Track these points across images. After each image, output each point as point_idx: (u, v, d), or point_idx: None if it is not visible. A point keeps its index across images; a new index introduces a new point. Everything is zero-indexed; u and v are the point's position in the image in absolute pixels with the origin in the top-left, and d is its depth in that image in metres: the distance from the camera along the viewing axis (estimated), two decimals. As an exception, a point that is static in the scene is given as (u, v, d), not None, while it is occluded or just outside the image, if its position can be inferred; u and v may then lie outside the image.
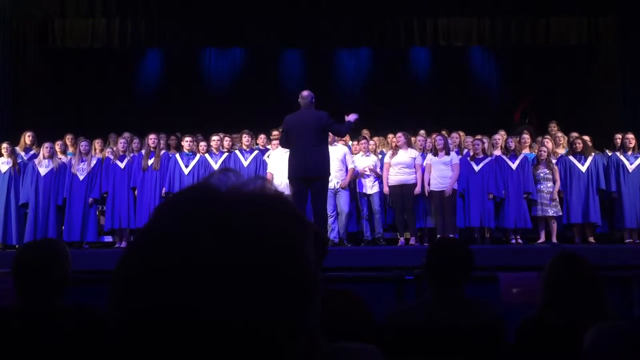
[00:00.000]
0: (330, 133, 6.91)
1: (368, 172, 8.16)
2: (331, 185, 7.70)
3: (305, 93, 6.60)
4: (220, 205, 0.58)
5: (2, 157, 8.09)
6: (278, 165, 7.84)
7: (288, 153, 7.68)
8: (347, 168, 8.03)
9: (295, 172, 6.51)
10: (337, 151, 7.91)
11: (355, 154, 8.44)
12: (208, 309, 0.54)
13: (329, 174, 6.75)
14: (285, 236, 0.59)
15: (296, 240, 0.59)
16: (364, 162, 8.24)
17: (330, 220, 7.74)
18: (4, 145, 8.10)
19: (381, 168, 8.17)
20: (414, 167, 7.93)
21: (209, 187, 0.61)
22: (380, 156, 8.57)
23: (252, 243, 0.56)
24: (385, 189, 8.01)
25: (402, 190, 7.88)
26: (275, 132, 8.18)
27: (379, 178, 8.18)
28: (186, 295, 0.54)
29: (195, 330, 0.54)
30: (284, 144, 6.84)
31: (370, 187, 8.20)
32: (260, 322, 0.55)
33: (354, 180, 8.22)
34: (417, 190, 7.87)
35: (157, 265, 0.56)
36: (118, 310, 0.57)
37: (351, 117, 6.74)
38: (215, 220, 0.57)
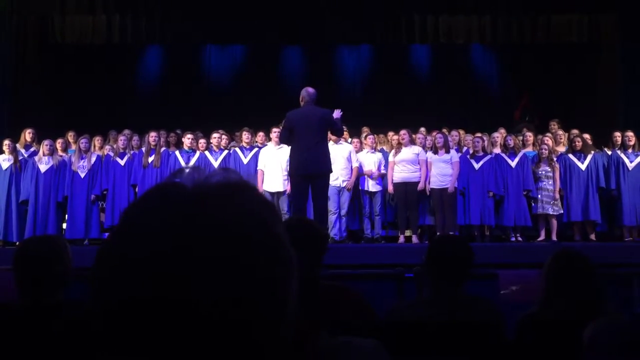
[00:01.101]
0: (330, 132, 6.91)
1: (375, 174, 8.15)
2: (337, 183, 7.76)
3: (310, 90, 6.51)
4: (187, 199, 0.59)
5: (4, 154, 8.09)
6: (269, 162, 7.88)
7: (279, 150, 7.74)
8: (352, 167, 8.05)
9: (297, 169, 6.49)
10: (342, 149, 7.96)
11: (357, 151, 8.45)
12: (178, 299, 0.55)
13: (330, 171, 6.75)
14: (256, 222, 0.60)
15: (268, 224, 0.60)
16: (369, 158, 8.25)
17: (333, 217, 7.77)
18: (6, 142, 8.11)
19: (385, 166, 8.19)
20: (418, 163, 7.94)
21: (174, 184, 0.62)
22: (380, 154, 8.58)
23: (223, 233, 0.57)
24: (390, 188, 8.02)
25: (406, 187, 7.90)
26: (275, 129, 8.21)
27: (382, 178, 8.20)
28: (156, 287, 0.55)
29: (170, 321, 0.55)
30: (284, 140, 6.79)
31: (372, 184, 8.22)
32: (237, 312, 0.56)
33: (358, 177, 8.25)
34: (421, 185, 7.88)
35: (129, 261, 0.57)
36: (95, 305, 0.58)
37: (337, 114, 6.64)
38: (185, 216, 0.58)
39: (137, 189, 8.02)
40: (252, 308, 0.56)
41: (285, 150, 7.78)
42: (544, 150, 8.06)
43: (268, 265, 0.58)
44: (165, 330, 0.55)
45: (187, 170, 0.63)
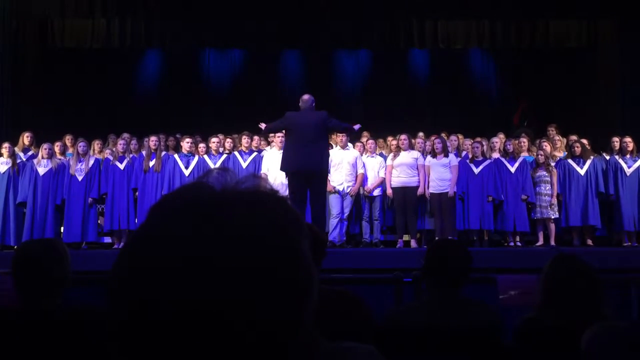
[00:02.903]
0: (332, 131, 7.08)
1: (370, 188, 8.17)
2: (341, 188, 7.86)
3: (305, 97, 6.77)
4: (217, 204, 0.59)
5: (2, 157, 8.08)
6: (272, 166, 7.89)
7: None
8: (357, 173, 8.07)
9: (289, 165, 6.55)
10: (348, 155, 7.99)
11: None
12: (203, 307, 0.54)
13: (327, 172, 6.80)
14: (282, 233, 0.59)
15: (293, 237, 0.60)
16: (370, 163, 8.27)
17: (335, 220, 7.80)
18: (5, 145, 8.09)
19: (385, 170, 8.22)
20: (416, 167, 7.96)
21: (205, 186, 0.61)
22: (381, 158, 8.58)
23: (249, 241, 0.57)
24: (389, 191, 8.04)
25: (405, 191, 7.91)
26: (279, 134, 8.27)
27: (381, 185, 8.24)
28: (182, 293, 0.54)
29: (190, 329, 0.54)
30: (271, 129, 7.14)
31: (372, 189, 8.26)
32: (257, 319, 0.55)
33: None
34: (420, 190, 7.90)
35: (154, 264, 0.56)
36: (115, 310, 0.57)
37: (356, 126, 7.30)
38: (212, 219, 0.57)
39: (137, 193, 8.02)
40: (269, 317, 0.56)
41: None
42: (540, 156, 8.07)
43: (285, 276, 0.57)
44: (183, 335, 0.54)
45: (217, 172, 0.63)
